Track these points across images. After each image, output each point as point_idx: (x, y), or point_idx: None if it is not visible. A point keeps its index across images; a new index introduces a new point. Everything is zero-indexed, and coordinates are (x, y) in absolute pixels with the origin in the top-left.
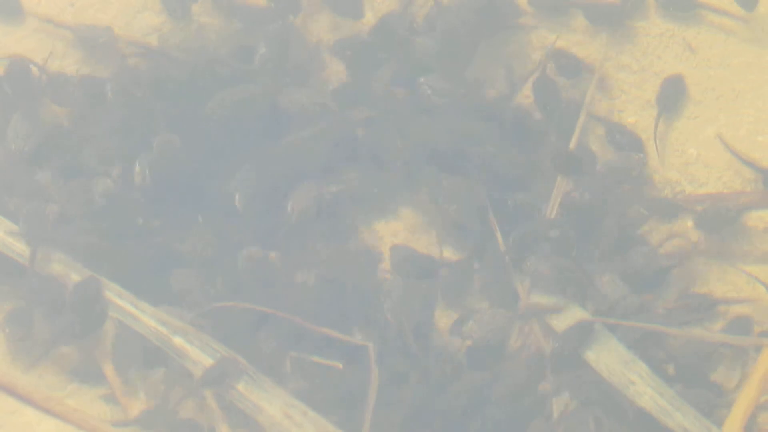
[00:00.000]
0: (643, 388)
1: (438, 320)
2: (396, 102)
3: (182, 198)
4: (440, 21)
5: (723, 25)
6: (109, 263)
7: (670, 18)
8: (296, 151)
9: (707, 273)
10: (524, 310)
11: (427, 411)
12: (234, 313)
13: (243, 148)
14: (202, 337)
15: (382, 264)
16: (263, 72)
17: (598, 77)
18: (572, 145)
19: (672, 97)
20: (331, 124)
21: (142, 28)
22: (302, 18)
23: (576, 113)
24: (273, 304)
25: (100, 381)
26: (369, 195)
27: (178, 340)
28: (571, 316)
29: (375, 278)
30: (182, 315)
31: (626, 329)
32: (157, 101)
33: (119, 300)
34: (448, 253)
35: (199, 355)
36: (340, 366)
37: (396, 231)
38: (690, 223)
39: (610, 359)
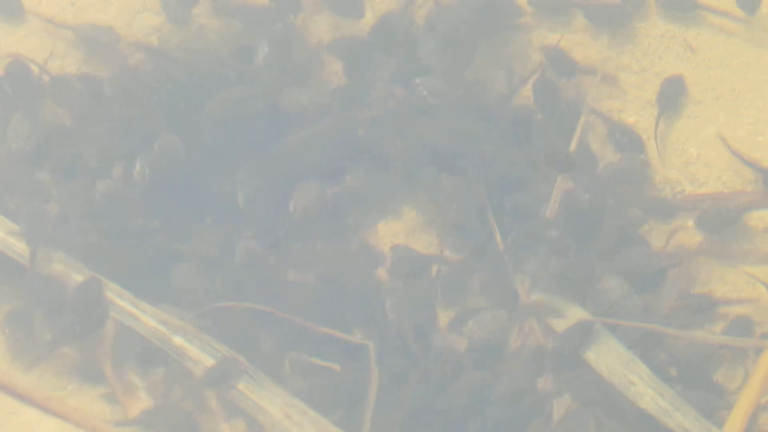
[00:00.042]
0: (644, 389)
1: (438, 320)
2: (396, 102)
3: (183, 198)
4: (440, 21)
5: (723, 25)
6: (109, 263)
7: (671, 19)
8: (297, 151)
9: (707, 273)
10: (524, 310)
11: (427, 411)
12: (234, 312)
13: (243, 149)
14: (202, 336)
15: (382, 264)
16: (265, 72)
17: (600, 78)
18: (573, 145)
19: (672, 97)
20: (332, 124)
21: (143, 28)
22: (302, 18)
23: (576, 113)
24: (273, 304)
25: (100, 380)
26: (369, 195)
27: (178, 340)
28: (571, 316)
29: (375, 278)
30: (182, 315)
31: (626, 329)
32: (157, 101)
33: (119, 300)
34: (448, 253)
35: (199, 354)
36: (338, 368)
37: (396, 231)
38: (690, 223)
39: (611, 360)
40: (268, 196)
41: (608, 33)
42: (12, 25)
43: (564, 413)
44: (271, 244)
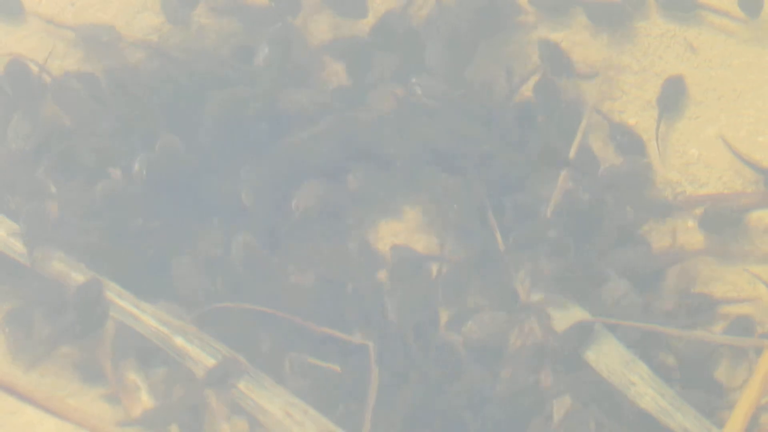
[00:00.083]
0: (644, 389)
1: (438, 320)
2: (396, 102)
3: (183, 198)
4: (441, 21)
5: (724, 25)
6: (109, 263)
7: (671, 18)
8: (299, 150)
9: (707, 273)
10: (524, 310)
11: (427, 411)
12: (234, 312)
13: (243, 149)
14: (202, 337)
15: (383, 264)
16: (265, 72)
17: (602, 78)
18: (574, 146)
19: (673, 97)
20: (332, 124)
21: (143, 28)
22: (302, 18)
23: (576, 114)
24: (273, 304)
25: (101, 380)
26: (370, 195)
27: (179, 340)
28: (571, 316)
29: (375, 278)
30: (181, 313)
31: (627, 329)
32: (157, 101)
33: (119, 300)
34: (449, 253)
35: (199, 354)
36: (338, 369)
37: (396, 231)
38: (691, 224)
39: (611, 360)
40: (271, 195)
41: (608, 32)
42: (12, 25)
43: (564, 413)
44: (272, 243)
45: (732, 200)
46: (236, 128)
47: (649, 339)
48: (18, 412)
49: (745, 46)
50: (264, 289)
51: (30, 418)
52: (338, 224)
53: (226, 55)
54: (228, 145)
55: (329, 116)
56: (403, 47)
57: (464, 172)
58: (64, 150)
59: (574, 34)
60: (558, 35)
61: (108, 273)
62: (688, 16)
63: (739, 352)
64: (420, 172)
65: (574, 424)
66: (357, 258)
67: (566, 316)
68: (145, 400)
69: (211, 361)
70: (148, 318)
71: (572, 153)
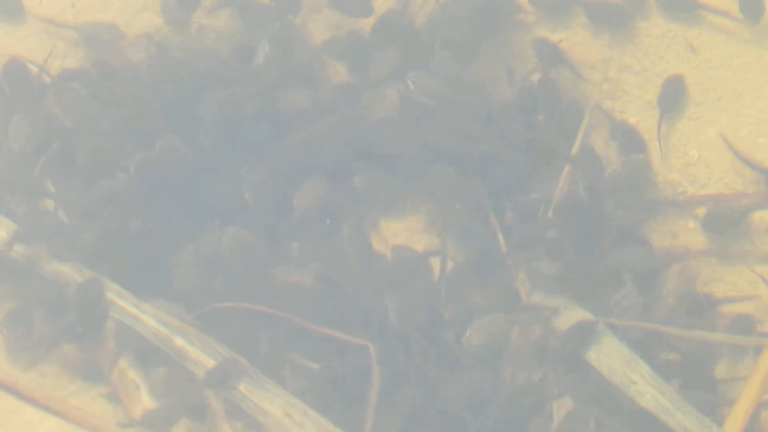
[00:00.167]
0: (645, 388)
1: (439, 320)
2: (396, 102)
3: (183, 198)
4: (441, 21)
5: (724, 25)
6: (109, 263)
7: (672, 18)
8: (299, 150)
9: (708, 273)
10: (526, 310)
11: (427, 411)
12: (234, 312)
13: (242, 149)
14: (203, 338)
15: (383, 264)
16: (266, 71)
17: (603, 78)
18: (576, 144)
19: (673, 97)
20: (333, 123)
21: (143, 28)
22: (302, 17)
23: (577, 113)
24: (273, 304)
25: (102, 380)
26: (370, 195)
27: (179, 341)
28: (572, 315)
29: (375, 278)
30: (180, 312)
31: (627, 329)
32: (157, 101)
33: (120, 300)
34: (450, 254)
35: (200, 355)
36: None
37: (397, 231)
38: (692, 224)
39: (611, 359)
40: (272, 194)
41: (609, 33)
42: (12, 25)
43: (565, 414)
44: (272, 242)
45: (733, 200)
46: (236, 128)
47: (649, 338)
48: (18, 411)
49: (745, 46)
50: (264, 289)
51: (30, 417)
52: (339, 224)
53: (226, 55)
54: (228, 145)
55: (330, 116)
56: (403, 46)
57: (465, 173)
58: (63, 150)
59: (575, 34)
60: (558, 35)
61: (108, 273)
62: (689, 17)
63: (739, 351)
64: (421, 172)
65: (575, 423)
66: (357, 258)
67: (567, 316)
68: (145, 400)
69: (211, 362)
70: (148, 318)
71: (574, 151)
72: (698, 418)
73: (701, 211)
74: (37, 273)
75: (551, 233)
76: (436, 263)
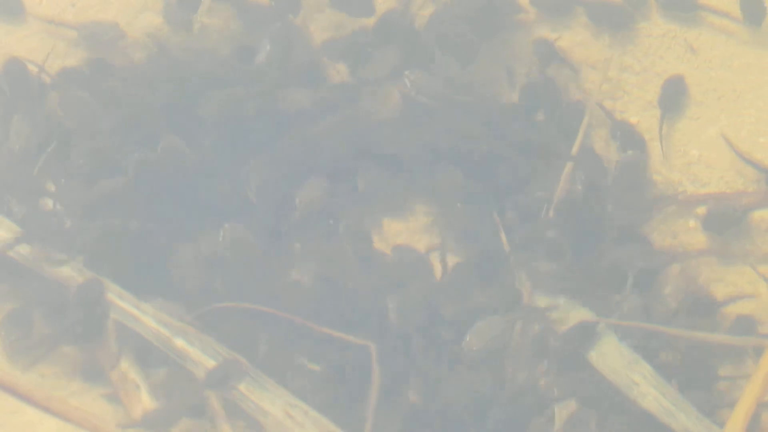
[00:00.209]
0: (647, 389)
1: (439, 320)
2: (397, 102)
3: (184, 198)
4: (441, 21)
5: (724, 26)
6: (109, 263)
7: (672, 19)
8: (301, 149)
9: (708, 273)
10: (526, 310)
11: (427, 411)
12: (234, 312)
13: (243, 149)
14: (202, 338)
15: (384, 264)
16: (266, 71)
17: (603, 78)
18: (577, 143)
19: (674, 98)
20: (334, 122)
21: (143, 27)
22: (303, 17)
23: (577, 113)
24: (273, 304)
25: (102, 380)
26: (371, 195)
27: (179, 342)
28: (574, 316)
29: (376, 278)
30: (179, 312)
31: (629, 329)
32: (157, 101)
33: (120, 301)
34: (451, 254)
35: (200, 356)
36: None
37: (398, 231)
38: (692, 224)
39: (613, 360)
40: (273, 193)
41: (609, 33)
42: (12, 25)
43: (566, 415)
44: (273, 241)
45: (734, 200)
46: (236, 128)
47: (651, 339)
48: (18, 411)
49: (745, 47)
50: (264, 289)
51: (30, 417)
52: (339, 223)
53: (227, 55)
54: (228, 145)
55: (332, 115)
56: (403, 46)
57: (466, 173)
58: (62, 149)
59: (575, 34)
60: (559, 35)
61: (108, 273)
62: (689, 17)
63: (740, 352)
64: (422, 171)
65: (576, 424)
66: (358, 258)
67: (568, 316)
68: (145, 401)
69: (211, 363)
70: (148, 319)
71: (574, 151)
72: (699, 420)
73: (701, 211)
74: (37, 273)
75: (551, 233)
76: (436, 263)
